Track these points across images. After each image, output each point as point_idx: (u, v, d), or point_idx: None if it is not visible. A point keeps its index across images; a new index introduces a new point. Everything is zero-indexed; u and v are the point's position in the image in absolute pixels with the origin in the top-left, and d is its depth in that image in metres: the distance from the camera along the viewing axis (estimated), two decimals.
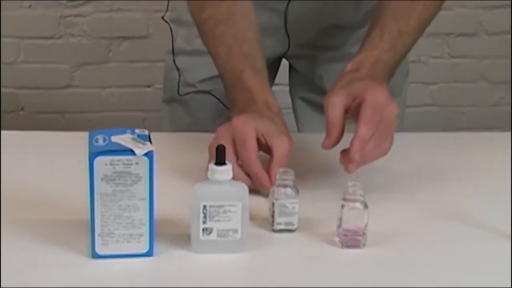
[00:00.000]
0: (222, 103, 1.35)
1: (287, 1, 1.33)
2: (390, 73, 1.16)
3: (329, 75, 1.43)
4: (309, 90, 1.47)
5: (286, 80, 1.52)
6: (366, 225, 0.95)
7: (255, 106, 1.11)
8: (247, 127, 1.05)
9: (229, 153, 0.99)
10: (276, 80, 1.51)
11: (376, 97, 1.04)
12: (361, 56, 1.14)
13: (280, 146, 1.05)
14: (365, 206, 0.95)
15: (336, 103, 1.05)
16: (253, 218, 0.98)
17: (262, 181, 1.03)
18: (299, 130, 1.49)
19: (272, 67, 1.48)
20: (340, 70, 1.39)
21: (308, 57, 1.44)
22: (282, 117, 1.12)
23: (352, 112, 1.05)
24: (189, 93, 1.42)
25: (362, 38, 1.19)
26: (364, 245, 0.96)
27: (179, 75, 1.42)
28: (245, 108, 1.11)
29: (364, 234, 0.96)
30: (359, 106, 1.04)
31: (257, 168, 1.03)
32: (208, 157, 1.05)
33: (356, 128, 1.03)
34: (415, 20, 1.20)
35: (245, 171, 1.05)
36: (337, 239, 0.96)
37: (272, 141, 1.05)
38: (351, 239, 0.96)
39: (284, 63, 1.49)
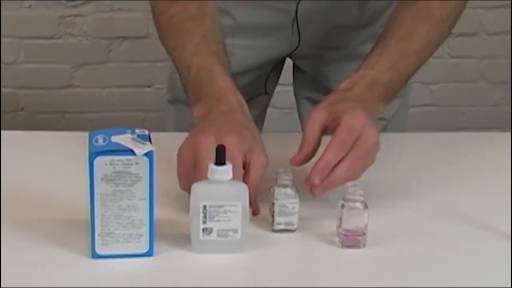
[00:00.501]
0: None
1: (297, 1, 1.33)
2: (389, 95, 1.12)
3: (336, 75, 1.43)
4: (314, 90, 1.47)
5: (290, 80, 1.52)
6: (366, 225, 0.95)
7: (229, 105, 1.07)
8: (237, 151, 0.99)
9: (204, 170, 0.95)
10: (280, 80, 1.51)
11: (353, 120, 1.00)
12: (357, 75, 1.10)
13: (257, 167, 1.00)
14: (365, 206, 0.95)
15: (315, 121, 1.02)
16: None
17: None
18: (303, 130, 1.48)
19: (277, 67, 1.48)
20: (347, 69, 1.38)
21: (314, 57, 1.44)
22: (253, 121, 1.09)
23: (330, 133, 1.02)
24: None
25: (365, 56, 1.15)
26: (364, 245, 0.96)
27: None
28: (218, 106, 1.06)
29: (364, 234, 0.96)
30: (336, 127, 1.01)
31: None
32: (177, 163, 1.01)
33: (324, 151, 0.99)
34: (421, 40, 1.15)
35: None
36: (337, 239, 0.96)
37: (250, 160, 1.01)
38: (351, 239, 0.96)
39: (288, 63, 1.49)
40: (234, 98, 1.08)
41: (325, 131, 1.02)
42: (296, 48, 1.40)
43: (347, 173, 0.99)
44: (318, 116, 1.03)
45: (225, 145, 0.94)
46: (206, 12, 1.18)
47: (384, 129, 1.37)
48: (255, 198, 1.00)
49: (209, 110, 1.06)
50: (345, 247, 0.96)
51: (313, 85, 1.47)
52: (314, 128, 1.02)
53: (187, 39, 1.16)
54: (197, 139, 1.00)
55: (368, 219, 0.95)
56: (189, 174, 0.98)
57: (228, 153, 0.94)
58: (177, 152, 1.02)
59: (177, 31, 1.17)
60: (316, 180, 0.98)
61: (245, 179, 0.99)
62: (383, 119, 1.35)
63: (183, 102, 1.45)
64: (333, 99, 1.06)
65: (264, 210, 1.00)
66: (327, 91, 1.44)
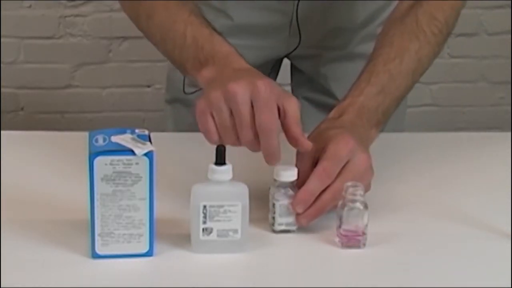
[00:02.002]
0: None
1: (297, 2, 1.33)
2: (380, 119, 1.09)
3: (334, 75, 1.43)
4: (313, 89, 1.47)
5: (288, 80, 1.52)
6: (366, 225, 0.95)
7: (241, 64, 1.03)
8: (274, 92, 0.95)
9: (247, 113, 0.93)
10: (278, 80, 1.51)
11: (338, 148, 0.97)
12: (345, 102, 1.08)
13: (293, 106, 0.96)
14: (365, 206, 0.95)
15: (304, 155, 0.99)
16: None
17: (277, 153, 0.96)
18: (302, 130, 1.48)
19: (274, 67, 1.48)
20: (345, 69, 1.37)
21: (313, 57, 1.44)
22: None
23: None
24: (194, 91, 1.42)
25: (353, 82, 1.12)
26: (364, 245, 0.96)
27: (184, 75, 1.42)
28: (229, 66, 1.02)
29: (364, 234, 0.96)
30: None
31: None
32: (203, 123, 0.97)
33: (307, 179, 0.97)
34: (410, 60, 1.12)
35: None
36: (337, 239, 0.96)
37: (284, 103, 0.96)
38: (351, 239, 0.96)
39: (285, 62, 1.49)
40: (244, 61, 1.04)
41: (315, 163, 0.99)
42: (295, 48, 1.40)
43: (334, 200, 0.96)
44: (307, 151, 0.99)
45: (259, 89, 0.93)
46: (187, 1, 1.15)
47: (381, 129, 1.36)
48: (301, 136, 0.96)
49: (220, 71, 1.02)
50: (345, 247, 0.96)
51: (311, 85, 1.47)
52: (304, 163, 0.99)
53: (175, 14, 1.11)
54: (227, 88, 0.95)
55: (368, 219, 0.95)
56: (226, 129, 0.95)
57: (264, 96, 0.93)
58: (196, 112, 0.97)
59: (162, 9, 1.13)
60: (299, 209, 0.96)
61: (287, 123, 0.96)
62: None
63: (182, 102, 1.46)
64: (321, 129, 1.03)
65: (264, 211, 1.00)
66: (325, 90, 1.45)
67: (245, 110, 0.94)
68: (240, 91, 0.94)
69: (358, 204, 0.94)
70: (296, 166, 0.99)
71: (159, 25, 1.14)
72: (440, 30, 1.16)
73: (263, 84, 0.95)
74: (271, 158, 0.96)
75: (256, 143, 0.96)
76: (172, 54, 1.13)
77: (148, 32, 1.18)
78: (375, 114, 1.08)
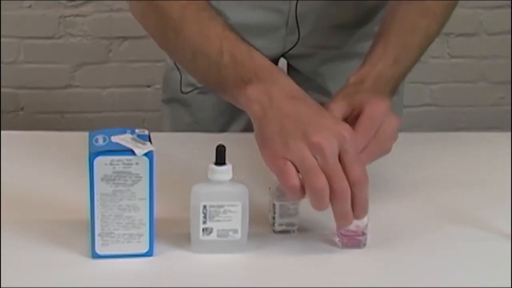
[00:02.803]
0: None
1: (295, 2, 1.33)
2: (393, 88, 1.12)
3: (331, 74, 1.43)
4: (310, 89, 1.46)
5: None
6: (366, 225, 0.95)
7: (290, 88, 1.00)
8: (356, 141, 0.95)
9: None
10: None
11: (375, 109, 1.00)
12: (364, 69, 1.10)
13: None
14: None
15: (334, 111, 1.01)
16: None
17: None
18: None
19: None
20: (341, 68, 1.37)
21: (310, 56, 1.44)
22: None
23: (350, 123, 0.99)
24: (191, 91, 1.42)
25: (367, 52, 1.14)
26: (364, 245, 0.96)
27: (181, 75, 1.42)
28: (278, 90, 0.98)
29: (364, 234, 0.96)
30: (357, 117, 1.00)
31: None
32: (278, 173, 0.93)
33: None
34: (421, 35, 1.16)
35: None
36: (337, 239, 0.96)
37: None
38: (351, 239, 0.96)
39: (282, 62, 1.49)
40: (288, 78, 1.02)
41: (344, 121, 1.00)
42: (293, 47, 1.40)
43: (366, 162, 0.98)
44: (337, 107, 1.02)
45: (347, 140, 0.92)
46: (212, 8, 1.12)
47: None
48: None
49: (269, 94, 0.98)
50: (345, 247, 0.96)
51: (308, 84, 1.47)
52: None
53: (208, 26, 1.07)
54: (312, 140, 0.92)
55: (368, 219, 0.95)
56: (321, 186, 0.91)
57: (353, 149, 0.92)
58: (273, 167, 0.93)
59: (194, 21, 1.08)
60: None
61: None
62: None
63: (179, 101, 1.46)
64: (348, 92, 1.05)
65: (264, 211, 1.00)
66: (322, 90, 1.45)
67: (336, 165, 0.92)
68: (328, 144, 0.92)
69: None
70: None
71: (190, 40, 1.08)
72: (443, 12, 1.20)
73: (348, 133, 0.94)
74: (363, 211, 0.94)
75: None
76: (206, 72, 1.07)
77: (175, 49, 1.12)
78: (390, 82, 1.11)
